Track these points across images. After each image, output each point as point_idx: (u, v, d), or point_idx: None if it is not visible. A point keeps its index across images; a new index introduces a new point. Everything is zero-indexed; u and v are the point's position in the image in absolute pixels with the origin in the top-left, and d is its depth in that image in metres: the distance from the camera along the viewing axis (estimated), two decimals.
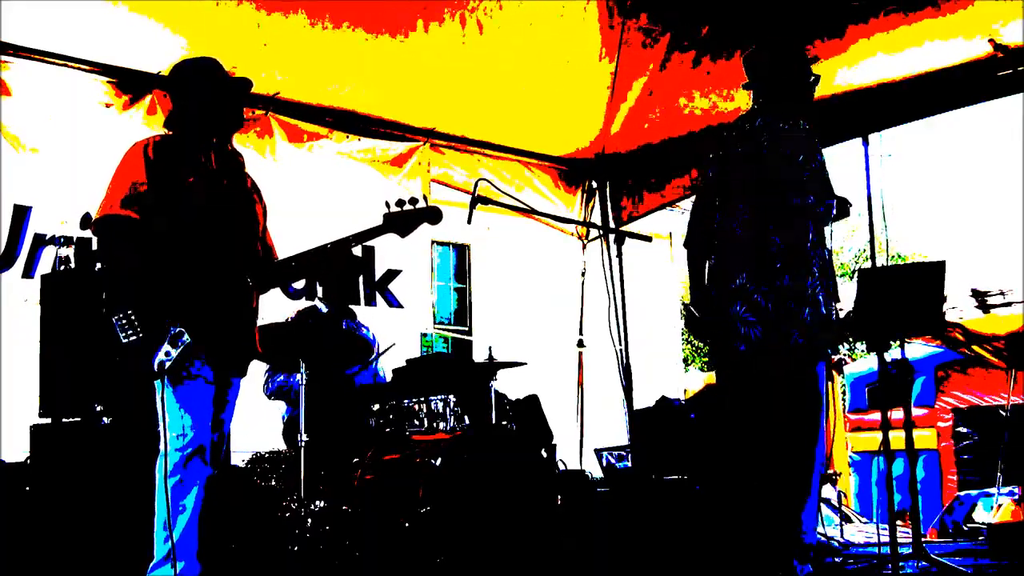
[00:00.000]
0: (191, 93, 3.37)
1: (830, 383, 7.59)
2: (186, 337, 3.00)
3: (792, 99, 3.67)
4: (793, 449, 3.48)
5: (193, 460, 3.09)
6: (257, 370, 4.43)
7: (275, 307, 4.90)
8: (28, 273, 4.63)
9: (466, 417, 4.38)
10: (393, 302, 6.06)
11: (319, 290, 5.07)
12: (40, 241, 4.65)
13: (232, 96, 3.42)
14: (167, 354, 2.98)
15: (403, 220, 3.45)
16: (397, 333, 5.84)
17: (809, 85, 3.70)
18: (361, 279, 6.10)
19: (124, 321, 3.02)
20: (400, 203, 3.45)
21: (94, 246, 4.20)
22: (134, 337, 3.01)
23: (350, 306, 4.94)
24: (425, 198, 3.53)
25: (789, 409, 3.47)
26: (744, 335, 3.48)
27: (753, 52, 3.79)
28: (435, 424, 4.30)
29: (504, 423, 4.77)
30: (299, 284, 5.60)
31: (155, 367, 2.98)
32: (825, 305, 3.56)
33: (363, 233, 3.44)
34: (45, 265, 4.62)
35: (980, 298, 7.01)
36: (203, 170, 3.30)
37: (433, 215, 3.48)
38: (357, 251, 4.74)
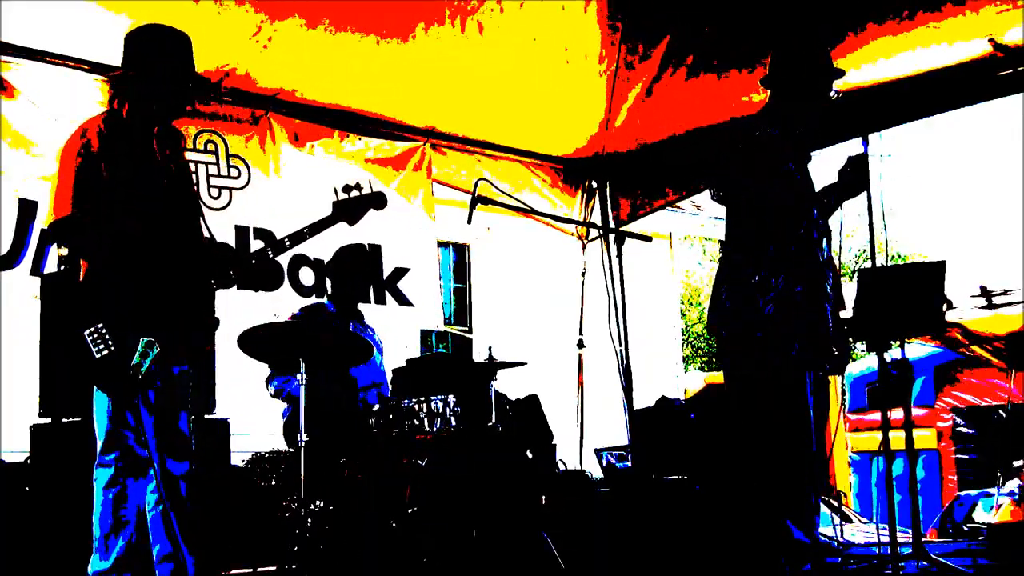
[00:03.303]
0: (145, 72, 3.12)
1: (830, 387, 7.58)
2: (157, 347, 2.93)
3: (807, 98, 3.66)
4: (778, 450, 3.48)
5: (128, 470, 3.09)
6: (260, 371, 4.42)
7: (286, 306, 4.93)
8: (37, 270, 4.59)
9: (459, 418, 4.37)
10: (403, 300, 6.02)
11: (328, 288, 5.05)
12: (47, 238, 4.61)
13: (186, 79, 3.19)
14: (139, 364, 2.91)
15: (350, 207, 3.48)
16: (408, 331, 5.82)
17: (828, 84, 3.68)
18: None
19: (95, 335, 2.92)
20: (347, 189, 3.47)
21: None
22: (106, 352, 2.92)
23: (359, 305, 4.91)
24: (371, 183, 3.59)
25: (775, 412, 3.47)
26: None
27: (776, 51, 3.77)
28: (435, 424, 4.29)
29: (493, 423, 4.76)
30: (309, 282, 5.55)
31: (130, 378, 2.90)
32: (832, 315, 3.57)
33: (317, 224, 3.45)
34: (53, 262, 4.57)
35: (987, 296, 7.01)
36: (150, 156, 3.11)
37: (378, 200, 3.53)
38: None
